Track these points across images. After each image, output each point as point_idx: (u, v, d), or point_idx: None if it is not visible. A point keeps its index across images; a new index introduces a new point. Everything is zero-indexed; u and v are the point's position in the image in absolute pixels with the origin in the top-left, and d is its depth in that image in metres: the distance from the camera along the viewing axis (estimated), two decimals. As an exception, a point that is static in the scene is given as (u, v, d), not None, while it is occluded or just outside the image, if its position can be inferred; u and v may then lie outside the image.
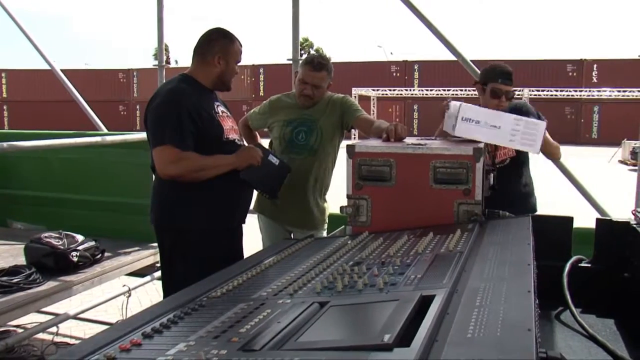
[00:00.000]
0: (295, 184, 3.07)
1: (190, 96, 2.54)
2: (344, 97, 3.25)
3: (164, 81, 4.83)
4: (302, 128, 3.13)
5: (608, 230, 1.98)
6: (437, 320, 1.04)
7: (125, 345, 1.12)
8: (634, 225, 1.92)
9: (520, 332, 0.93)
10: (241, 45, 2.73)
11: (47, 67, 6.37)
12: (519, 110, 3.17)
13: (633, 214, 2.00)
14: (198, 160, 2.51)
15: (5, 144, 3.10)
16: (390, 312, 1.11)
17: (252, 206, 3.01)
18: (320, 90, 3.12)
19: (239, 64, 2.75)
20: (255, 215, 3.31)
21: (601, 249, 1.98)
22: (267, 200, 3.21)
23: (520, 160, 3.23)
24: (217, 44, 2.65)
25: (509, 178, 3.13)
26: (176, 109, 2.49)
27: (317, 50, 44.63)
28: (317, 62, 3.10)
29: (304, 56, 3.56)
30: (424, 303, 1.15)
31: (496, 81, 3.20)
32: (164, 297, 2.67)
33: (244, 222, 2.79)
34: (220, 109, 2.68)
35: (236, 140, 2.69)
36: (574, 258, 1.90)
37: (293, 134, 3.14)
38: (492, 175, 3.01)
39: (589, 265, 1.96)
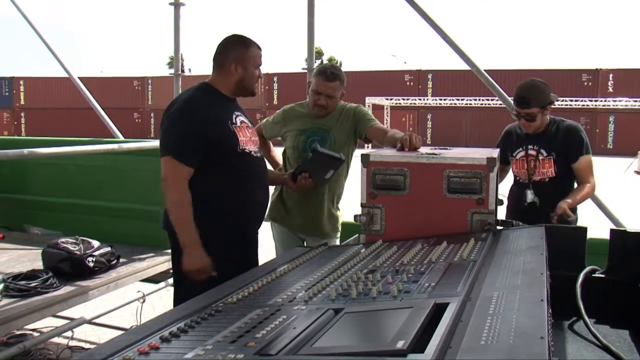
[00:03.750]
0: (309, 192, 3.09)
1: (204, 107, 2.53)
2: (357, 106, 3.27)
3: (180, 89, 4.91)
4: (315, 137, 3.15)
5: (622, 241, 1.98)
6: (451, 327, 1.06)
7: (143, 348, 1.15)
8: (649, 236, 1.91)
9: (533, 340, 0.94)
10: (260, 49, 2.69)
11: (64, 75, 6.46)
12: (569, 134, 3.24)
13: (648, 225, 2.00)
14: (178, 200, 2.48)
15: (25, 151, 3.15)
16: (404, 319, 1.12)
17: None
18: (334, 100, 3.15)
19: (261, 67, 2.71)
20: (269, 223, 3.33)
21: (615, 259, 1.97)
22: (280, 209, 3.25)
23: (560, 180, 3.26)
24: (232, 51, 2.62)
25: (547, 197, 3.21)
26: (187, 120, 2.48)
27: (330, 59, 44.83)
28: (330, 73, 3.12)
29: (317, 63, 3.59)
30: (438, 311, 1.16)
31: (515, 105, 3.29)
32: (174, 300, 2.68)
33: (256, 231, 2.77)
34: (240, 119, 2.65)
35: (252, 153, 2.65)
36: (587, 268, 1.89)
37: (307, 143, 3.16)
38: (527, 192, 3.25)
39: (603, 275, 1.96)
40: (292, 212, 3.24)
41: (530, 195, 3.26)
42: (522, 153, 3.33)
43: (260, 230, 2.81)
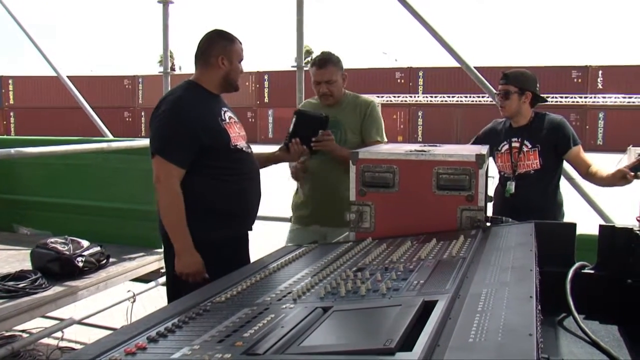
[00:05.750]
0: (329, 182, 3.10)
1: (194, 107, 2.52)
2: (371, 107, 3.25)
3: (169, 88, 4.89)
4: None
5: (611, 236, 1.98)
6: (439, 325, 1.05)
7: (130, 349, 1.14)
8: (638, 232, 1.92)
9: (521, 337, 0.94)
10: (241, 44, 2.72)
11: (53, 74, 6.42)
12: (555, 126, 3.27)
13: (637, 220, 2.01)
14: (170, 202, 2.48)
15: (12, 150, 3.13)
16: (393, 317, 1.12)
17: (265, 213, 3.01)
18: (336, 85, 3.17)
19: (242, 63, 2.73)
20: (262, 223, 3.31)
21: (604, 255, 1.97)
22: (298, 204, 3.29)
23: (545, 173, 3.28)
24: (217, 45, 2.64)
25: (532, 189, 3.25)
26: (178, 122, 2.48)
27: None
28: (320, 60, 3.17)
29: (306, 61, 3.62)
30: (427, 308, 1.16)
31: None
32: (168, 300, 2.67)
33: (251, 230, 2.78)
34: (227, 114, 2.65)
35: (243, 148, 2.66)
36: (577, 264, 1.90)
37: None
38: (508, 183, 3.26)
39: (592, 271, 1.96)
40: (309, 202, 3.23)
41: (512, 187, 3.28)
42: (507, 146, 3.35)
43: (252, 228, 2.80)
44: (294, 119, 2.95)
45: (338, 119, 3.16)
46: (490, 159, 3.35)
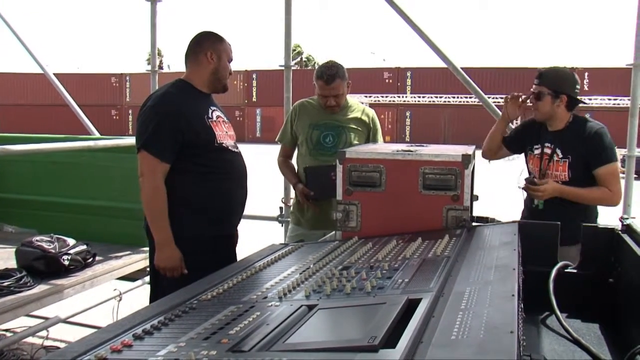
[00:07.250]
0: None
1: (179, 102, 2.54)
2: (375, 116, 3.40)
3: (157, 86, 4.87)
4: (329, 132, 3.24)
5: (594, 236, 2.01)
6: (423, 322, 1.07)
7: (116, 346, 1.14)
8: (619, 232, 1.95)
9: (503, 334, 0.96)
10: (230, 45, 2.76)
11: (40, 71, 6.37)
12: (589, 137, 2.91)
13: (620, 221, 2.03)
14: (153, 196, 2.50)
15: (-3, 147, 3.10)
16: (377, 314, 1.13)
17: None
18: (342, 96, 3.25)
19: (231, 63, 2.75)
20: (251, 222, 3.32)
21: (587, 255, 2.00)
22: (305, 212, 3.31)
23: (575, 186, 2.90)
24: (207, 42, 2.68)
25: (557, 202, 2.89)
26: (161, 116, 2.50)
27: (307, 58, 44.98)
28: (328, 76, 3.20)
29: (295, 61, 3.67)
30: (411, 306, 1.17)
31: None
32: (150, 298, 2.67)
33: (235, 229, 2.78)
34: (216, 114, 2.67)
35: (230, 147, 2.66)
36: (560, 264, 1.92)
37: (320, 137, 3.24)
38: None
39: (575, 271, 1.99)
40: (308, 207, 3.26)
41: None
42: (539, 150, 3.05)
43: (240, 228, 2.80)
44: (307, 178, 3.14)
45: (343, 124, 3.25)
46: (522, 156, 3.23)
